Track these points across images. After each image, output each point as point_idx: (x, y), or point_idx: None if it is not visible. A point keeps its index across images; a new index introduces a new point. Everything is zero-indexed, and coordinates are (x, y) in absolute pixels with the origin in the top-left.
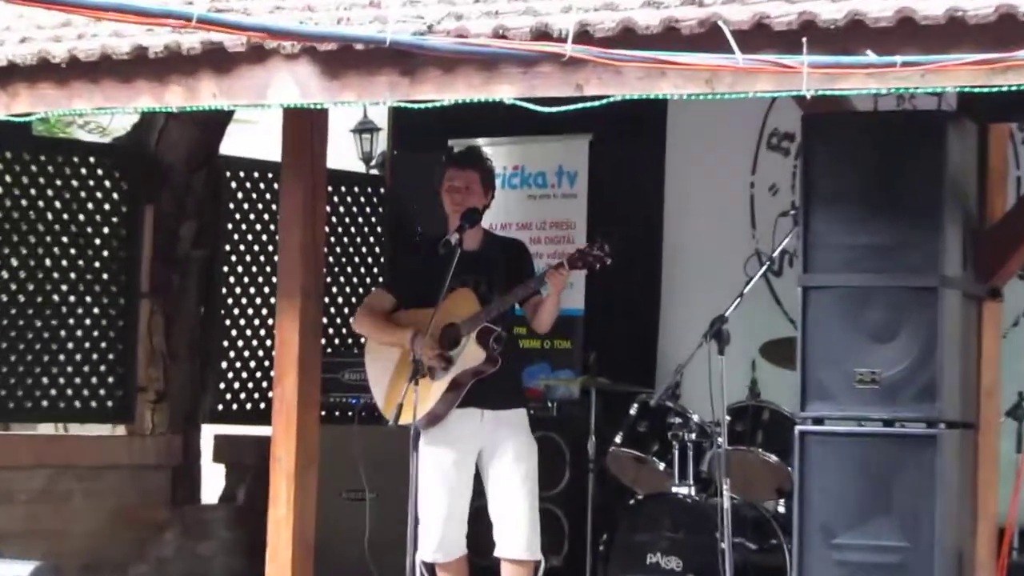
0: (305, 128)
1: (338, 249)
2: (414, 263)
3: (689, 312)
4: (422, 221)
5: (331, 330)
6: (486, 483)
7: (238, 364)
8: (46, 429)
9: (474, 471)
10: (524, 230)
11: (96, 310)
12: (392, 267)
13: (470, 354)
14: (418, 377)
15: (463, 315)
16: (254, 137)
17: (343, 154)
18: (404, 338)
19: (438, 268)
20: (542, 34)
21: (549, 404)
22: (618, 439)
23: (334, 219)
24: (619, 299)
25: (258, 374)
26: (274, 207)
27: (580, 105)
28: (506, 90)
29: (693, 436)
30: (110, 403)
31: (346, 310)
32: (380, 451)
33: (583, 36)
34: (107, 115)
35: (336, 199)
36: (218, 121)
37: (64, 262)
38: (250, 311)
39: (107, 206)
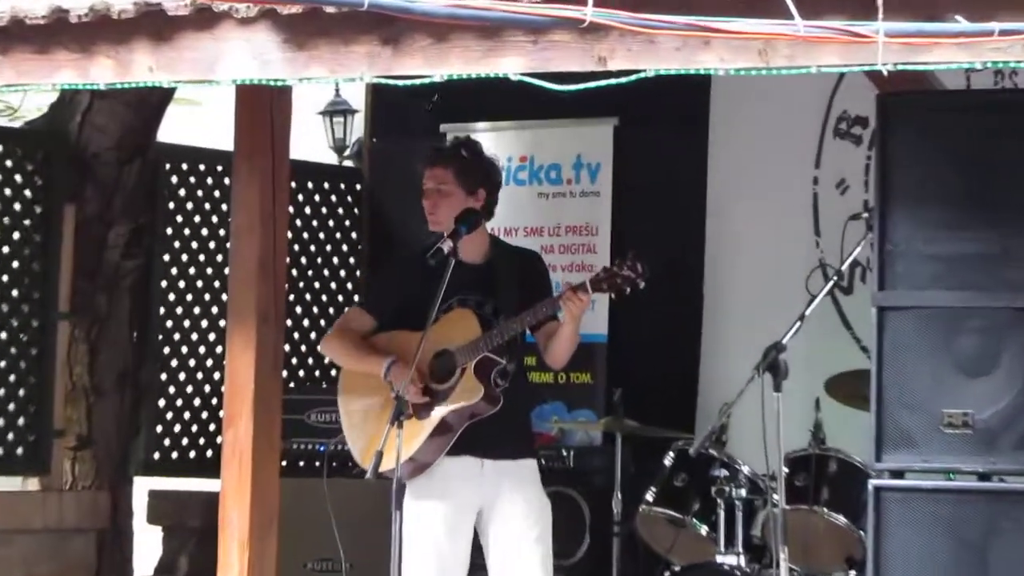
0: (263, 110)
1: (303, 260)
2: (400, 276)
3: (738, 339)
4: (409, 224)
5: (295, 360)
6: (487, 550)
7: (179, 402)
8: None
9: (472, 535)
10: (533, 236)
11: (3, 335)
12: (372, 281)
13: (466, 390)
14: (402, 417)
15: (459, 341)
16: (200, 121)
17: (311, 142)
18: (380, 366)
19: (429, 283)
20: None
21: (564, 453)
22: (650, 496)
23: (299, 222)
24: (651, 322)
25: (204, 415)
26: (224, 207)
27: (603, 83)
28: (512, 63)
29: (743, 492)
30: (20, 450)
31: (313, 335)
32: (356, 510)
33: None
34: (18, 92)
35: (301, 197)
36: (156, 101)
37: None
38: (194, 336)
39: (17, 206)
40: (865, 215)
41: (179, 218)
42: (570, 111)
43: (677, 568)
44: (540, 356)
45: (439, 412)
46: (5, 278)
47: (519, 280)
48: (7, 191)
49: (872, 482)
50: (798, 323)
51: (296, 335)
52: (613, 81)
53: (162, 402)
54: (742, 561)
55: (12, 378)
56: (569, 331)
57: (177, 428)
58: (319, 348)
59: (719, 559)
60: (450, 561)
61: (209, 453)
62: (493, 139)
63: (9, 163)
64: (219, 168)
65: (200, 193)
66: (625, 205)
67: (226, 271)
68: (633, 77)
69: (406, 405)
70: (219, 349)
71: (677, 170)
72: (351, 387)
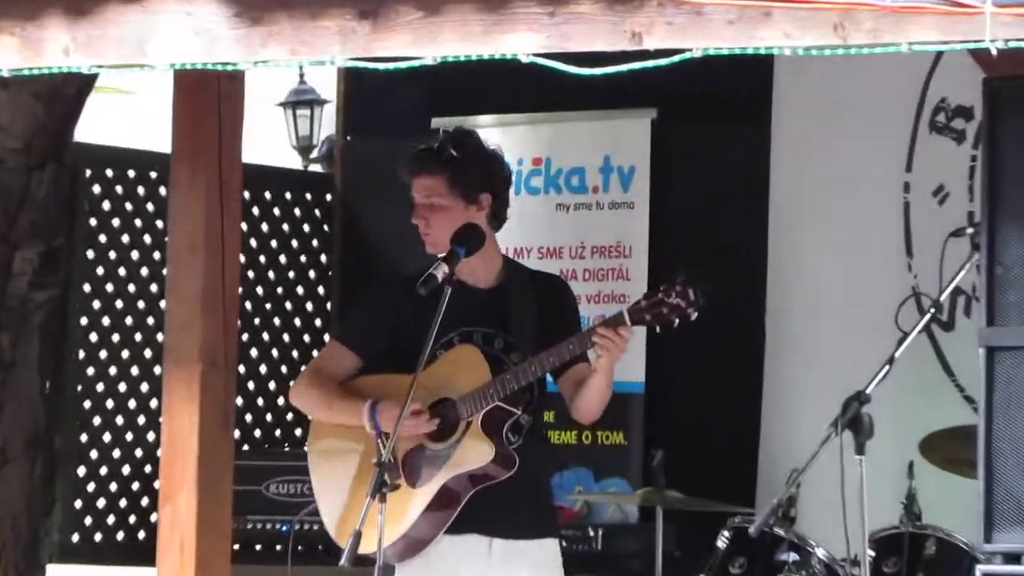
0: (208, 102)
1: (260, 289)
2: (386, 305)
3: (808, 388)
4: (392, 242)
5: (249, 416)
6: None
7: (104, 471)
8: None
9: None
10: (550, 259)
11: None
12: (352, 311)
13: (471, 449)
14: (389, 484)
15: (463, 387)
16: (129, 116)
17: (269, 141)
18: (360, 410)
19: (424, 314)
20: None
21: (591, 532)
22: None
23: (254, 242)
24: (699, 367)
25: (135, 486)
26: (160, 224)
27: (638, 65)
28: (522, 41)
29: None
30: None
31: (272, 384)
32: None
33: None
34: None
35: (257, 210)
36: (73, 92)
37: None
38: (122, 387)
39: None
40: (970, 231)
41: (103, 238)
42: (596, 101)
43: None
44: (560, 411)
45: (438, 478)
46: None
47: (538, 310)
48: None
49: (981, 568)
50: (886, 368)
51: (251, 384)
52: (650, 63)
53: (82, 470)
54: None
55: None
56: (604, 380)
57: (101, 503)
58: (290, 397)
59: None
60: None
61: (141, 535)
62: (499, 137)
63: None
64: (153, 174)
65: (130, 206)
66: (666, 219)
67: (163, 304)
68: (675, 59)
69: (391, 472)
70: (154, 403)
71: (731, 175)
72: (326, 443)
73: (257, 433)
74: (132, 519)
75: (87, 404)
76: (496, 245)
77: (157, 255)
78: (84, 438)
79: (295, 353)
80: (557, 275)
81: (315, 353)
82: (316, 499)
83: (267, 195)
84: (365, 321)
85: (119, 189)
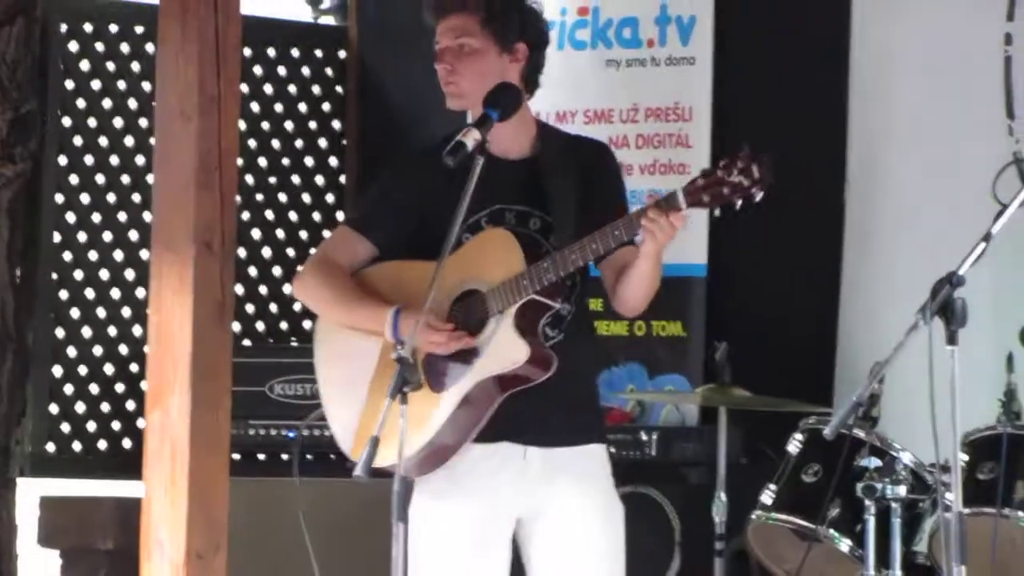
0: None
1: (264, 161)
2: (408, 180)
3: (895, 270)
4: (418, 105)
5: (250, 307)
6: (532, 574)
7: (83, 371)
8: None
9: (510, 553)
10: (598, 123)
11: None
12: (367, 189)
13: (504, 347)
14: (408, 387)
15: (493, 276)
16: None
17: None
18: (381, 318)
19: (450, 190)
20: None
21: (644, 436)
22: (768, 498)
23: (255, 107)
24: (770, 248)
25: (119, 388)
26: (147, 87)
27: None
28: None
29: (902, 491)
30: None
31: (277, 270)
32: (341, 523)
33: None
34: None
35: (260, 70)
36: None
37: None
38: (104, 274)
39: None
40: None
41: (81, 103)
42: None
43: None
44: (609, 299)
45: (465, 381)
46: None
47: (579, 183)
48: None
49: None
50: (982, 245)
51: (252, 270)
52: None
53: (58, 371)
54: None
55: None
56: (650, 266)
57: (80, 408)
58: (295, 292)
59: None
60: None
61: (126, 443)
62: None
63: None
64: (140, 29)
65: (112, 66)
66: (732, 77)
67: (150, 179)
68: None
69: (413, 371)
70: (140, 292)
71: (808, 26)
72: (335, 345)
73: (260, 326)
74: (116, 426)
75: (63, 294)
76: (529, 112)
77: (144, 122)
78: (60, 333)
79: (303, 234)
80: (598, 140)
81: (326, 235)
82: (324, 405)
83: (271, 51)
84: (382, 204)
85: (99, 46)
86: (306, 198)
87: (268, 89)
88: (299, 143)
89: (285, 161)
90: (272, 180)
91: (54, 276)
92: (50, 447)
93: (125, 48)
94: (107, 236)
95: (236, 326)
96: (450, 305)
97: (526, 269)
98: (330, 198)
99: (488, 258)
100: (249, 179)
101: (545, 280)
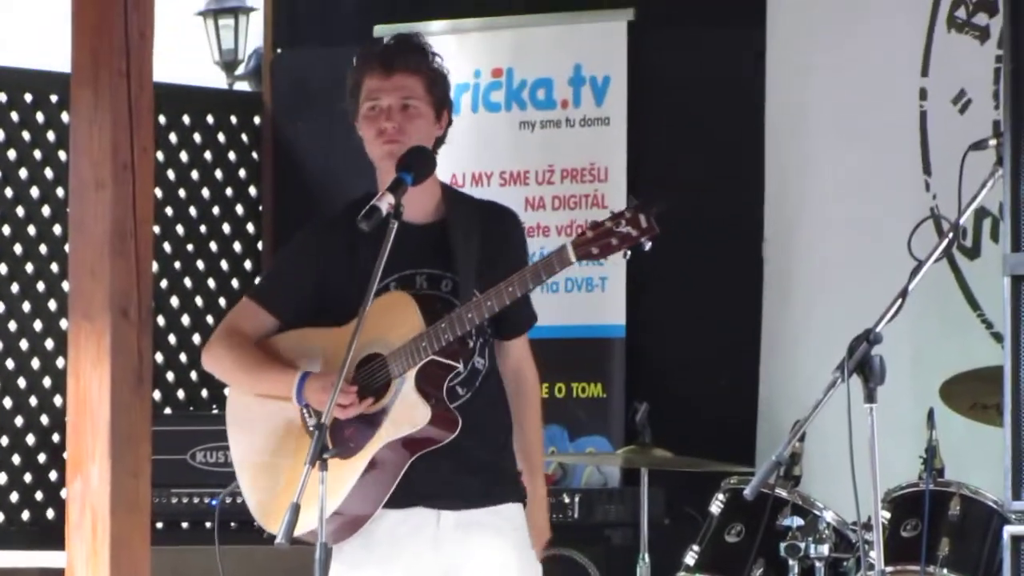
0: (112, 10)
1: (180, 227)
2: (314, 250)
3: (813, 327)
4: (334, 169)
5: (170, 374)
6: None
7: (4, 441)
8: None
9: None
10: (513, 186)
11: None
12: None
13: (407, 409)
14: (328, 454)
15: (394, 340)
16: (13, 25)
17: (187, 56)
18: (287, 383)
19: (358, 256)
20: None
21: (567, 499)
22: (691, 558)
23: (171, 174)
24: (689, 305)
25: (41, 458)
26: (62, 155)
27: None
28: None
29: (824, 550)
30: None
31: (196, 337)
32: None
33: None
34: None
35: (175, 137)
36: None
37: None
38: (23, 343)
39: None
40: (993, 142)
41: None
42: (565, 2)
43: None
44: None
45: (370, 446)
46: None
47: (483, 246)
48: None
49: (1008, 529)
50: (899, 302)
51: (172, 337)
52: None
53: None
54: None
55: None
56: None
57: (2, 479)
58: (203, 363)
59: None
60: None
61: (50, 514)
62: (454, 46)
63: None
64: (54, 98)
65: (27, 135)
66: (647, 136)
67: (66, 247)
68: None
69: (326, 436)
70: (60, 362)
71: (721, 84)
72: (246, 412)
73: (180, 394)
74: (39, 496)
75: None
76: (436, 176)
77: (60, 191)
78: None
79: (222, 300)
80: (503, 204)
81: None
82: (237, 474)
83: (185, 118)
84: (284, 276)
85: (14, 116)
86: (224, 265)
87: (184, 156)
88: (216, 210)
89: (202, 228)
90: (189, 247)
91: None
92: None
93: (40, 117)
94: (26, 306)
95: (156, 394)
96: (356, 369)
97: (425, 331)
98: (248, 264)
99: (389, 321)
100: (167, 246)
101: (443, 340)
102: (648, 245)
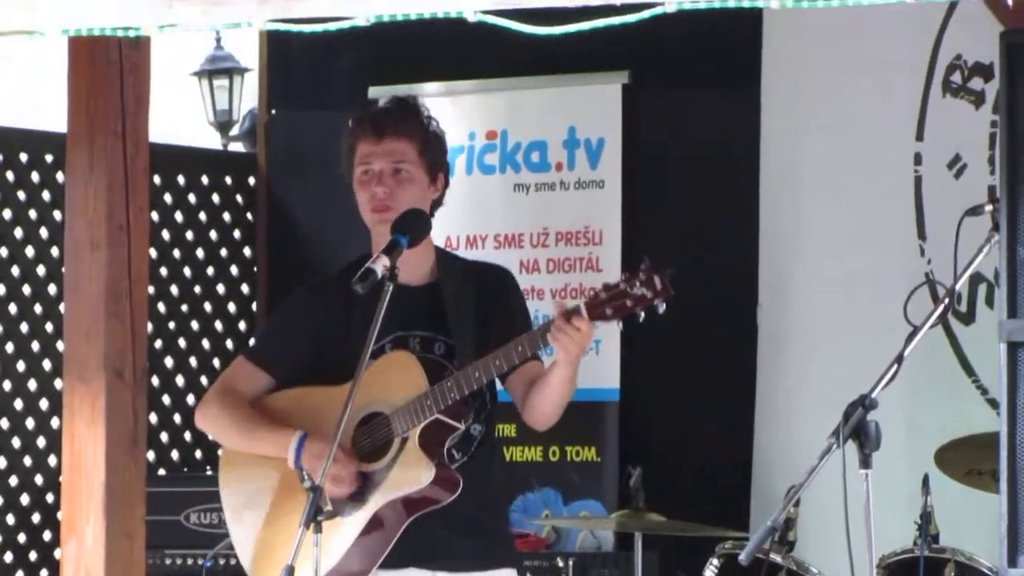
0: (108, 72)
1: (175, 288)
2: (308, 311)
3: (808, 393)
4: (327, 231)
5: (165, 435)
6: None
7: None
8: None
9: None
10: (508, 249)
11: None
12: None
13: (407, 471)
14: (322, 516)
15: (397, 399)
16: (13, 85)
17: (181, 117)
18: (284, 444)
19: (352, 317)
20: None
21: (560, 563)
22: None
23: (166, 234)
24: (683, 370)
25: (35, 518)
26: (58, 216)
27: (604, 22)
28: None
29: None
30: None
31: (191, 399)
32: None
33: None
34: None
35: (170, 198)
36: None
37: None
38: (18, 404)
39: None
40: (989, 208)
41: None
42: (558, 65)
43: None
44: (523, 424)
45: (370, 504)
46: None
47: (477, 307)
48: None
49: None
50: (895, 367)
51: (166, 398)
52: (617, 20)
53: None
54: None
55: None
56: (561, 376)
57: None
58: (197, 423)
59: None
60: None
61: (43, 574)
62: (448, 108)
63: None
64: (49, 158)
65: (22, 195)
66: (641, 200)
67: (61, 307)
68: (646, 14)
69: (323, 500)
70: (55, 422)
71: (715, 148)
72: (238, 472)
73: (175, 455)
74: (33, 556)
75: None
76: (430, 239)
77: (55, 251)
78: None
79: (216, 362)
80: (498, 265)
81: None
82: (230, 533)
83: (180, 179)
84: (278, 337)
85: (9, 175)
86: (219, 325)
87: (178, 217)
88: (210, 270)
89: (197, 288)
90: (184, 308)
91: None
92: None
93: (35, 177)
94: (20, 366)
95: (150, 455)
96: (355, 428)
97: (429, 389)
98: (242, 325)
99: (391, 380)
100: (161, 307)
101: (449, 399)
102: (663, 307)
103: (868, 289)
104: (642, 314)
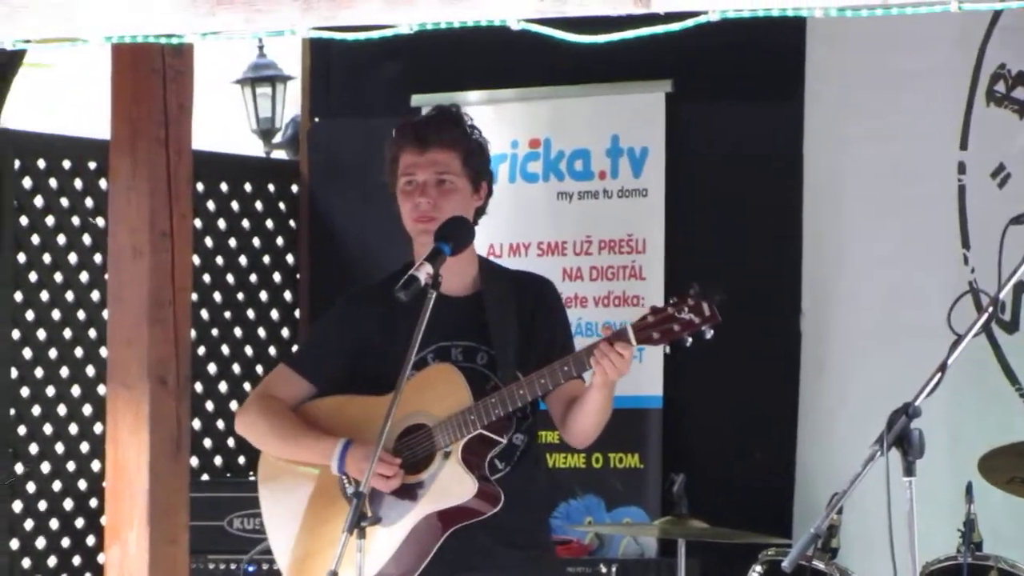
0: (151, 79)
1: (218, 295)
2: (350, 320)
3: (851, 400)
4: (370, 239)
5: (208, 441)
6: None
7: (42, 506)
8: None
9: None
10: (550, 256)
11: None
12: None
13: (451, 482)
14: (366, 522)
15: (440, 412)
16: (56, 93)
17: (225, 124)
18: (327, 452)
19: (394, 327)
20: None
21: (604, 569)
22: None
23: (209, 241)
24: (726, 378)
25: (78, 524)
26: (101, 222)
27: (647, 31)
28: (513, 5)
29: None
30: None
31: (233, 404)
32: None
33: None
34: None
35: (213, 205)
36: None
37: None
38: (61, 410)
39: None
40: None
41: (36, 239)
42: (602, 74)
43: None
44: (560, 432)
45: (411, 516)
46: None
47: (521, 319)
48: None
49: None
50: (938, 376)
51: (209, 404)
52: (661, 29)
53: (18, 506)
54: None
55: None
56: (601, 398)
57: (41, 543)
58: (237, 428)
59: None
60: None
61: None
62: (491, 116)
63: None
64: (92, 165)
65: (66, 202)
66: (684, 209)
67: (104, 314)
68: (689, 23)
69: (365, 506)
70: (98, 428)
71: (759, 157)
72: (277, 478)
73: (217, 460)
74: (76, 561)
75: (21, 430)
76: (473, 248)
77: (99, 258)
78: (19, 469)
79: (259, 368)
80: (539, 275)
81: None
82: (269, 539)
83: (223, 186)
84: (320, 345)
85: (53, 182)
86: (261, 332)
87: (221, 224)
88: (253, 277)
89: (240, 295)
90: (227, 314)
91: (12, 412)
92: None
93: (78, 184)
94: (64, 372)
95: (194, 461)
96: (396, 439)
97: (473, 404)
98: (285, 332)
99: (434, 392)
100: (204, 314)
101: (493, 415)
102: (710, 333)
103: (911, 298)
104: (689, 339)
